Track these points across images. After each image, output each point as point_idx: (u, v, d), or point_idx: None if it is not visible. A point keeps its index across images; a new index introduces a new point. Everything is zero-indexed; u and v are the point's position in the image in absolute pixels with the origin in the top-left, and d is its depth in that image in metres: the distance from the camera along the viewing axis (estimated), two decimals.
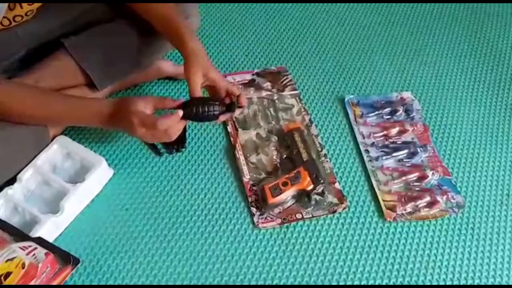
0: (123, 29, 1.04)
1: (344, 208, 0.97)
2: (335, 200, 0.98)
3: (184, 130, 1.07)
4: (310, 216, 0.96)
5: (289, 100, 1.15)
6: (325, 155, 1.05)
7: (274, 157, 1.04)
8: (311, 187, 0.96)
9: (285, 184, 0.95)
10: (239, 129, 1.08)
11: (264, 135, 1.08)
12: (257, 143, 1.06)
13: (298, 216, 0.96)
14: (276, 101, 1.14)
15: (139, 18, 1.01)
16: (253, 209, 0.96)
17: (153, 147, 0.97)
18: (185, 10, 1.06)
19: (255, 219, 0.95)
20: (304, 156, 1.01)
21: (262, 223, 0.95)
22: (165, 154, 1.00)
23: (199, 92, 0.91)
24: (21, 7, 0.88)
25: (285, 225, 0.95)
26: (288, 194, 0.95)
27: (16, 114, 0.89)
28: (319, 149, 1.06)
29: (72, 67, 1.00)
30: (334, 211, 0.97)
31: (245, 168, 1.02)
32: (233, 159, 1.04)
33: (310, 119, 1.11)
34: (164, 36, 0.99)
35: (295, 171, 0.97)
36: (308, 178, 0.96)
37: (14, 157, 0.93)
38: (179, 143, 0.99)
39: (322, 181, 0.97)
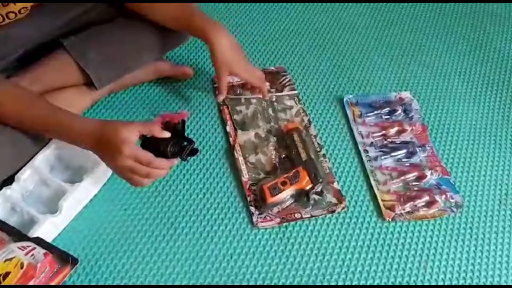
0: (122, 28, 1.04)
1: (343, 208, 0.97)
2: (334, 200, 0.98)
3: (183, 129, 1.07)
4: (309, 215, 0.96)
5: (288, 101, 1.15)
6: (323, 155, 1.05)
7: (273, 157, 1.04)
8: (309, 186, 0.96)
9: (284, 183, 0.95)
10: (238, 130, 1.08)
11: (263, 135, 1.08)
12: (256, 143, 1.06)
13: (297, 215, 0.96)
14: (275, 103, 1.14)
15: (138, 18, 1.01)
16: (252, 209, 0.96)
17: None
18: None
19: (254, 219, 0.95)
20: (303, 156, 1.00)
21: (261, 222, 0.95)
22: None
23: (224, 91, 1.06)
24: (14, 4, 0.88)
25: (284, 224, 0.95)
26: (287, 194, 0.95)
27: (10, 114, 0.87)
28: (318, 149, 1.06)
29: (70, 66, 1.00)
30: (333, 211, 0.97)
31: (244, 168, 1.02)
32: (232, 159, 1.04)
33: (309, 120, 1.11)
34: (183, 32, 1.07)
35: (294, 171, 0.97)
36: (307, 178, 0.96)
37: (12, 157, 0.92)
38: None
39: (321, 181, 0.97)
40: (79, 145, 0.86)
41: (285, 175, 0.97)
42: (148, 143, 0.85)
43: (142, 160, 0.81)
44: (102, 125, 0.84)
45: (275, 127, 1.09)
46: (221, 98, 1.08)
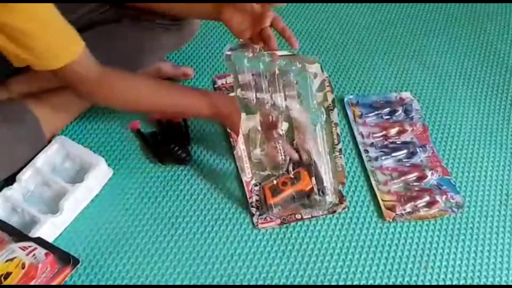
0: (124, 30, 1.04)
1: (343, 208, 0.97)
2: (334, 200, 0.98)
3: (186, 128, 1.07)
4: (310, 216, 0.96)
5: (311, 67, 0.93)
6: (340, 150, 1.00)
7: (278, 157, 1.02)
8: (310, 187, 0.96)
9: (284, 184, 0.95)
10: (242, 114, 0.98)
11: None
12: (262, 138, 1.00)
13: (298, 216, 0.95)
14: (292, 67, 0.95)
15: (141, 20, 1.01)
16: (253, 210, 0.96)
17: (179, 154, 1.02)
18: None
19: (255, 220, 0.95)
20: (305, 158, 1.00)
21: (262, 223, 0.95)
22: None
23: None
24: None
25: (285, 225, 0.95)
26: (287, 194, 0.95)
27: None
28: (336, 142, 0.98)
29: None
30: (334, 211, 0.97)
31: (247, 166, 1.00)
32: (233, 158, 1.04)
33: (333, 100, 0.97)
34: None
35: (295, 171, 0.97)
36: (308, 179, 0.96)
37: (6, 158, 0.92)
38: (183, 140, 1.04)
39: (322, 183, 0.96)
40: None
41: (286, 176, 0.96)
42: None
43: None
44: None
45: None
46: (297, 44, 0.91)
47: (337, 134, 0.97)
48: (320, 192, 0.96)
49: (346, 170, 1.04)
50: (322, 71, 0.94)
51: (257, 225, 0.95)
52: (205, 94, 0.98)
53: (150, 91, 0.92)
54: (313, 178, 0.95)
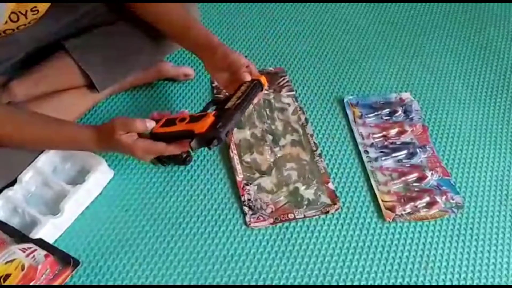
0: (124, 31, 1.04)
1: (336, 209, 0.97)
2: (328, 201, 0.98)
3: None
4: (302, 216, 0.96)
5: (285, 99, 1.16)
6: (319, 155, 1.05)
7: (268, 157, 1.04)
8: (202, 131, 0.79)
9: (182, 120, 0.83)
10: (234, 129, 1.07)
11: (259, 134, 1.08)
12: (251, 142, 1.06)
13: (290, 216, 0.95)
14: (272, 101, 1.15)
15: (141, 20, 1.01)
16: (246, 209, 0.96)
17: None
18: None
19: (247, 219, 0.95)
20: (230, 104, 0.82)
21: (254, 222, 0.95)
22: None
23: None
24: (26, 18, 0.87)
25: (283, 224, 0.95)
26: (174, 130, 0.83)
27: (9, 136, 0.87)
28: (314, 148, 1.06)
29: (72, 68, 1.00)
30: (327, 212, 0.97)
31: (238, 167, 1.02)
32: (227, 158, 1.04)
33: (306, 118, 1.12)
34: (176, 39, 1.01)
35: (203, 113, 0.83)
36: (207, 123, 0.79)
37: (7, 164, 0.92)
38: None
39: (219, 131, 0.78)
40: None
41: (192, 114, 0.85)
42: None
43: (155, 152, 0.87)
44: (99, 134, 0.86)
45: (272, 127, 1.09)
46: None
47: (314, 142, 1.08)
48: (204, 140, 0.79)
49: (341, 171, 1.04)
50: (294, 101, 1.16)
51: (249, 224, 0.95)
52: (88, 128, 0.89)
53: (36, 132, 0.88)
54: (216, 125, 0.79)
